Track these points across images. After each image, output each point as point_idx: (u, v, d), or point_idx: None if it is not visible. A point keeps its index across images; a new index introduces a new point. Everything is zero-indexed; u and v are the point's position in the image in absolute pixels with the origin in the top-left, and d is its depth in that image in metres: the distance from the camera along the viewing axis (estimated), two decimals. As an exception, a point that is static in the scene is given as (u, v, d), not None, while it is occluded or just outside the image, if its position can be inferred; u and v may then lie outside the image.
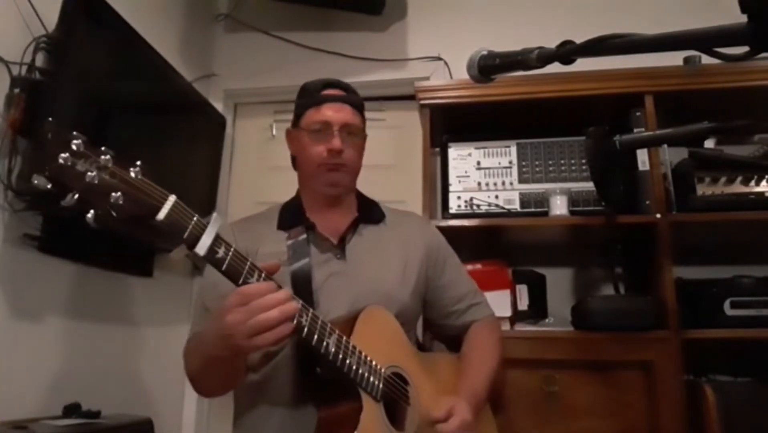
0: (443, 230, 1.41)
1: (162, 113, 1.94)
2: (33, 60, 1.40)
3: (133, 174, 0.76)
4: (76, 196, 0.72)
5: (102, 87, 1.58)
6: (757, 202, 1.59)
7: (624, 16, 2.12)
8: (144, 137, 1.78)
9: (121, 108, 1.68)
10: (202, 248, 0.81)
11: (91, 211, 0.73)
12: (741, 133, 1.73)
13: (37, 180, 0.70)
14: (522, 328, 1.68)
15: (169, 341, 2.06)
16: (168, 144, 1.95)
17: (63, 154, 0.71)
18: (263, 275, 0.89)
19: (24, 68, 1.39)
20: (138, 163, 0.78)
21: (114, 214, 0.74)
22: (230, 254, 0.85)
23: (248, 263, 0.87)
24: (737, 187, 1.62)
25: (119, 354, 1.79)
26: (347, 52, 2.33)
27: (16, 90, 1.34)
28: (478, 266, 1.72)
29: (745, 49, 0.62)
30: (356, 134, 1.23)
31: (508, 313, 1.66)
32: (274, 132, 2.41)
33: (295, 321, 0.88)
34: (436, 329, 1.39)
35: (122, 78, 1.68)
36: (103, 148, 0.75)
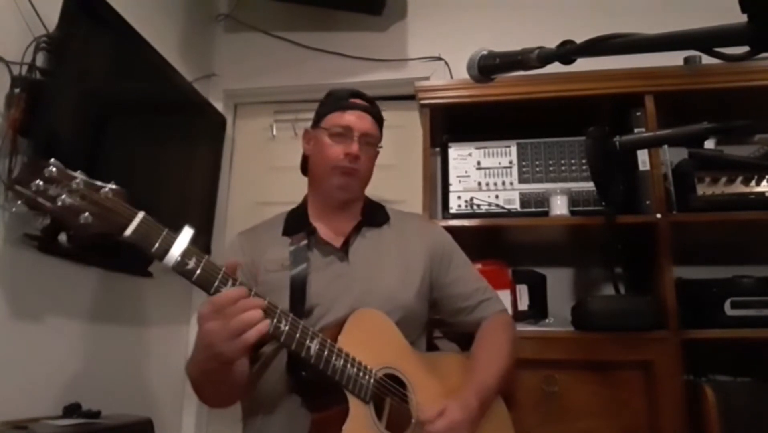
0: (443, 230, 1.40)
1: (162, 113, 1.94)
2: (33, 60, 1.40)
3: (102, 195, 0.82)
4: (48, 219, 0.78)
5: (102, 87, 1.58)
6: (757, 202, 1.59)
7: (624, 16, 2.12)
8: (144, 137, 1.78)
9: (122, 108, 1.67)
10: (170, 260, 0.85)
11: (62, 234, 0.77)
12: (741, 133, 1.73)
13: (16, 208, 0.77)
14: (522, 328, 1.67)
15: (169, 341, 2.06)
16: (168, 144, 1.95)
17: (36, 181, 0.77)
18: (237, 282, 0.91)
19: (24, 68, 1.39)
20: (111, 183, 0.83)
21: (85, 232, 0.80)
22: (201, 264, 0.87)
23: (221, 272, 0.89)
24: (737, 187, 1.62)
25: (119, 354, 1.79)
26: (347, 52, 2.33)
27: (17, 90, 1.34)
28: (478, 266, 1.70)
29: (745, 49, 0.62)
30: (373, 145, 1.29)
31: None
32: (274, 132, 2.41)
33: (274, 322, 0.91)
34: (450, 328, 1.39)
35: (122, 78, 1.68)
36: (77, 172, 0.81)
